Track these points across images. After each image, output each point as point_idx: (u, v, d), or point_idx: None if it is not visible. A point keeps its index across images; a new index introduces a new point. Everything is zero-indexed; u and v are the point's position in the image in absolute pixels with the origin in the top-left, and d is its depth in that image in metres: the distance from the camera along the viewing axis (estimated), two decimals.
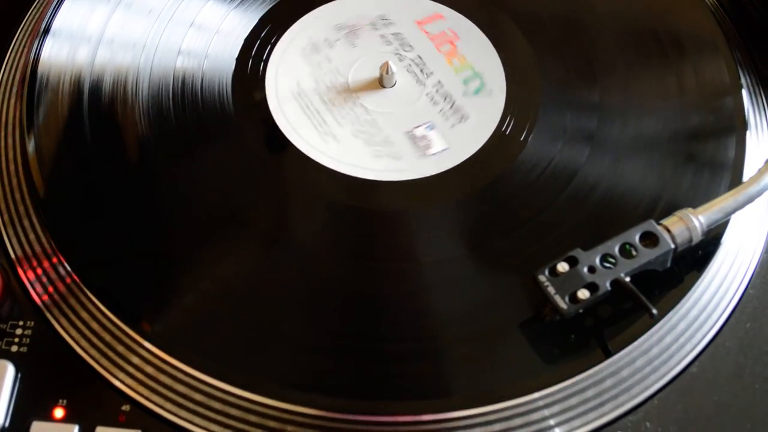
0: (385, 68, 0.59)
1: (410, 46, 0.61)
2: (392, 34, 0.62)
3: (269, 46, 0.61)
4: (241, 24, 0.62)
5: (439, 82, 0.60)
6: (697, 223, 0.49)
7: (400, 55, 0.61)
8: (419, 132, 0.57)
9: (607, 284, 0.47)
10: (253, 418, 0.47)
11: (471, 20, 0.63)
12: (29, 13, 0.63)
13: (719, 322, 0.51)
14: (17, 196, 0.54)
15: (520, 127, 0.58)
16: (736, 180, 0.54)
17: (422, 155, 0.56)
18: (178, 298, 0.50)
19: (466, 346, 0.49)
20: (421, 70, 0.60)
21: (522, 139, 0.57)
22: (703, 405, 0.49)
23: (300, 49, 0.62)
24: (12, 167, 0.56)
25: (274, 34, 0.62)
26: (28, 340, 0.50)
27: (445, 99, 0.59)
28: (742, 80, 0.59)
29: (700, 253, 0.51)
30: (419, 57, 0.61)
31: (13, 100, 0.58)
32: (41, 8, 0.63)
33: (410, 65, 0.60)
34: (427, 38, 0.61)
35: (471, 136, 0.57)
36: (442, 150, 0.56)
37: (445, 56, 0.61)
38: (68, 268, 0.51)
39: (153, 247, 0.52)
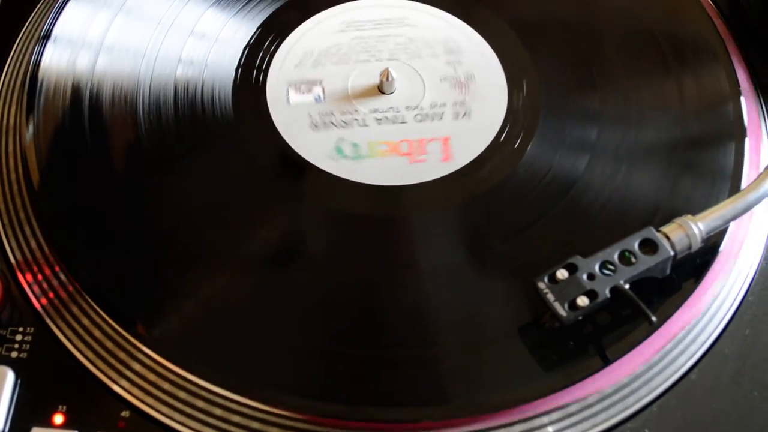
0: (385, 75, 0.59)
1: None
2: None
3: (269, 54, 0.62)
4: (241, 31, 0.62)
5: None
6: (696, 230, 0.49)
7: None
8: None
9: (607, 291, 0.48)
10: (255, 424, 0.48)
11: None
12: (30, 18, 0.63)
13: (718, 329, 0.51)
14: (18, 201, 0.55)
15: (519, 134, 0.58)
16: (735, 187, 0.54)
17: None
18: (178, 304, 0.50)
19: (465, 353, 0.49)
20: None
21: (522, 146, 0.57)
22: (702, 412, 0.49)
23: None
24: (12, 173, 0.56)
25: (275, 41, 0.62)
26: (28, 346, 0.50)
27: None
28: (741, 87, 0.59)
29: (699, 260, 0.51)
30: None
31: (13, 107, 0.58)
32: (43, 14, 0.63)
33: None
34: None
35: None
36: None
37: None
38: (68, 274, 0.51)
39: (153, 253, 0.52)
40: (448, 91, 0.60)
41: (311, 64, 0.61)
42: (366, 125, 0.59)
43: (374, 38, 0.63)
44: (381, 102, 0.60)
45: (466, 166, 0.56)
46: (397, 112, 0.59)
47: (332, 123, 0.59)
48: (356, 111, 0.59)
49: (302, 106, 0.59)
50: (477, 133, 0.58)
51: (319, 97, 0.60)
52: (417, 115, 0.59)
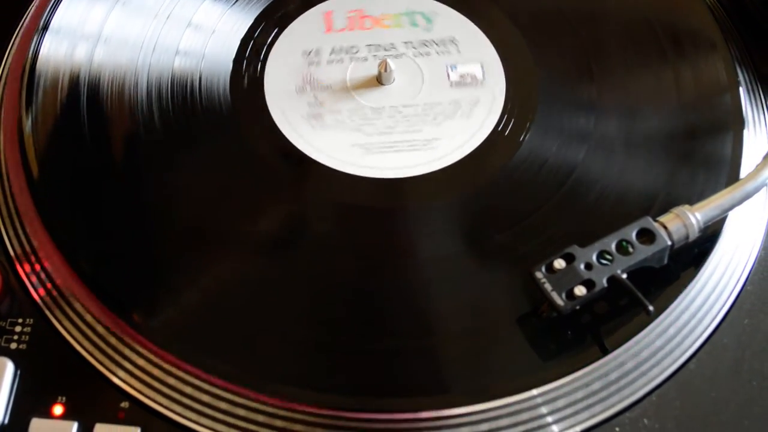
0: (384, 66, 0.59)
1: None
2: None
3: (267, 45, 0.62)
4: (239, 22, 0.62)
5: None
6: (693, 220, 0.49)
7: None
8: None
9: (604, 281, 0.48)
10: (254, 415, 0.48)
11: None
12: (29, 10, 0.63)
13: (717, 319, 0.51)
14: (16, 192, 0.55)
15: (517, 124, 0.58)
16: (733, 177, 0.54)
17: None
18: (176, 295, 0.50)
19: (463, 343, 0.49)
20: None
21: (519, 136, 0.57)
22: (701, 401, 0.49)
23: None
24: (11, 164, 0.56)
25: (272, 32, 0.62)
26: (27, 337, 0.50)
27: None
28: (740, 78, 0.59)
29: (697, 250, 0.51)
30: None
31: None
32: (40, 5, 0.63)
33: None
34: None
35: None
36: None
37: None
38: (66, 265, 0.51)
39: (151, 243, 0.52)
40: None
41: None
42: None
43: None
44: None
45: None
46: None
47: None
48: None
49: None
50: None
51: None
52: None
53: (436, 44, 0.62)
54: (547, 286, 0.47)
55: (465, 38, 0.62)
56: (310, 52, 0.62)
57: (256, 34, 0.62)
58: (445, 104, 0.59)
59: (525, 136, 0.57)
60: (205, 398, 0.48)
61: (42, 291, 0.52)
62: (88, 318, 0.50)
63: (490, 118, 0.58)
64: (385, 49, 0.62)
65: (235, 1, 0.63)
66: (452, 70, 0.61)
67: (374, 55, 0.61)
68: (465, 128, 0.58)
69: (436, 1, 0.64)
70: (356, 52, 0.61)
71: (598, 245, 0.49)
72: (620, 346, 0.49)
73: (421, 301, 0.51)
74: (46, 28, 0.60)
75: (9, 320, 0.51)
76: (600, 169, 0.55)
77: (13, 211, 0.54)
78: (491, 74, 0.60)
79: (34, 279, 0.52)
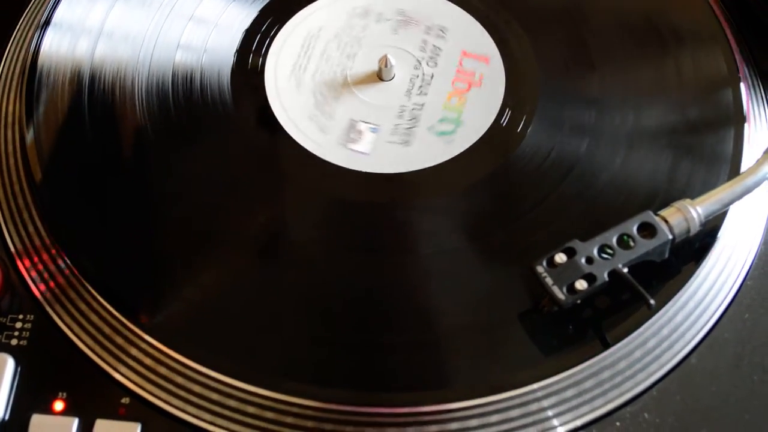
0: (384, 62, 0.59)
1: (436, 64, 0.61)
2: (434, 46, 0.62)
3: (269, 39, 0.62)
4: (241, 17, 0.62)
5: (422, 105, 0.59)
6: (694, 214, 0.49)
7: (419, 64, 0.61)
8: (361, 127, 0.57)
9: (605, 275, 0.48)
10: (251, 409, 0.48)
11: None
12: (30, 5, 0.64)
13: (717, 313, 0.51)
14: (17, 188, 0.55)
15: (518, 118, 0.58)
16: (734, 171, 0.54)
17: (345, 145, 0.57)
18: (176, 290, 0.50)
19: (465, 338, 0.49)
20: (420, 87, 0.60)
21: (520, 130, 0.57)
22: (702, 396, 0.49)
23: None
24: (12, 160, 0.56)
25: (274, 27, 0.62)
26: (28, 333, 0.50)
27: (411, 119, 0.58)
28: (741, 72, 0.59)
29: (698, 244, 0.51)
30: (432, 76, 0.60)
31: (12, 93, 0.58)
32: (42, 1, 0.63)
33: (418, 76, 0.60)
34: (455, 69, 0.61)
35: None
36: (361, 152, 0.56)
37: (451, 92, 0.60)
38: (67, 261, 0.51)
39: (152, 239, 0.52)
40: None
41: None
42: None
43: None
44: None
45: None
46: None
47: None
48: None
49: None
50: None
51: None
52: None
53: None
54: (549, 281, 0.48)
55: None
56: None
57: (259, 27, 0.62)
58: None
59: (526, 130, 0.57)
60: (204, 392, 0.48)
61: (43, 287, 0.52)
62: (89, 314, 0.50)
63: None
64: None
65: None
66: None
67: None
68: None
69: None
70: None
71: (599, 239, 0.49)
72: (621, 340, 0.49)
73: (422, 295, 0.51)
74: (47, 23, 0.60)
75: (9, 316, 0.51)
76: (601, 163, 0.55)
77: (13, 206, 0.54)
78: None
79: (34, 275, 0.52)
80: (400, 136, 0.57)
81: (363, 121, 0.58)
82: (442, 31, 0.62)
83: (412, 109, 0.59)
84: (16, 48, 0.61)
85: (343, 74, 0.60)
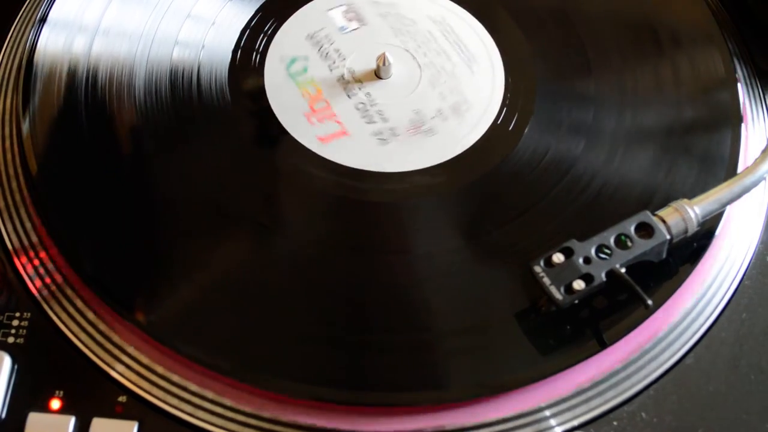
0: (382, 59, 0.59)
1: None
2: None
3: (267, 36, 0.61)
4: (240, 13, 0.62)
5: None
6: (692, 214, 0.49)
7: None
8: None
9: (603, 275, 0.48)
10: (247, 407, 0.48)
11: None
12: (27, 1, 0.63)
13: (715, 313, 0.51)
14: (13, 185, 0.54)
15: (516, 119, 0.58)
16: (731, 171, 0.54)
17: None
18: (173, 288, 0.50)
19: (462, 338, 0.49)
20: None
21: (518, 131, 0.57)
22: (699, 396, 0.49)
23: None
24: (8, 156, 0.56)
25: (273, 24, 0.62)
26: (25, 331, 0.50)
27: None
28: (738, 72, 0.59)
29: (696, 244, 0.51)
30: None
31: (9, 90, 0.58)
32: None
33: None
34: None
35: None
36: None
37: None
38: (64, 259, 0.51)
39: (149, 236, 0.52)
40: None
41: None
42: None
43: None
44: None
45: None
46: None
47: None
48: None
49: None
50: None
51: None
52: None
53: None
54: (546, 281, 0.47)
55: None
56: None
57: (258, 24, 0.62)
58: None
59: (524, 130, 0.57)
60: (201, 390, 0.48)
61: (39, 284, 0.51)
62: (87, 312, 0.50)
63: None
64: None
65: None
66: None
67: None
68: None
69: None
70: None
71: (597, 239, 0.49)
72: (619, 340, 0.49)
73: (419, 295, 0.51)
74: (44, 19, 0.60)
75: (6, 314, 0.51)
76: (598, 163, 0.55)
77: (10, 203, 0.54)
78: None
79: (32, 272, 0.52)
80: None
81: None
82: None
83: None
84: (13, 44, 0.61)
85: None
